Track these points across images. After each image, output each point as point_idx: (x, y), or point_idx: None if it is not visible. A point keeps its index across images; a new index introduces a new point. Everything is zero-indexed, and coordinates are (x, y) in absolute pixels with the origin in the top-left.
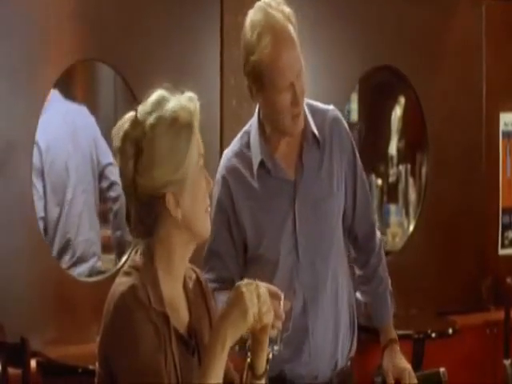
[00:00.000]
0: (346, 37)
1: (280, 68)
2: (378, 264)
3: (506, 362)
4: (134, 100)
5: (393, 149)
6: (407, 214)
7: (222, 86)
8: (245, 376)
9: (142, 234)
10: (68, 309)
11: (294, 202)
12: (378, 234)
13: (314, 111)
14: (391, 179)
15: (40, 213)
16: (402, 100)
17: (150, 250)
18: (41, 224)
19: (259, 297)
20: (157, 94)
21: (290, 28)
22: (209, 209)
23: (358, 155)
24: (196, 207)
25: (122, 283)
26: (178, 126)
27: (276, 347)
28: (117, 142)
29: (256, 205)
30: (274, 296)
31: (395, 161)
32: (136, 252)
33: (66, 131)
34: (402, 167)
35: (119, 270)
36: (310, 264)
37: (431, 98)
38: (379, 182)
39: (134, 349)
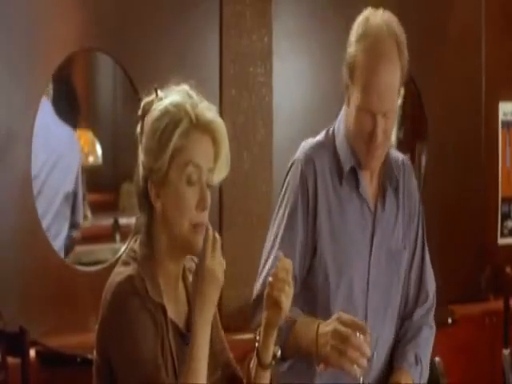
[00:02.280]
0: (344, 25)
1: (370, 79)
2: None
3: (505, 352)
4: (133, 89)
5: (392, 138)
6: None
7: (221, 75)
8: (252, 363)
9: (143, 210)
10: (67, 298)
11: (373, 236)
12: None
13: (394, 155)
14: None
15: None
16: (401, 90)
17: (149, 240)
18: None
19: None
20: (183, 86)
21: (396, 51)
22: (198, 226)
23: (422, 214)
24: (175, 212)
25: (119, 273)
26: (167, 118)
27: None
28: (140, 110)
29: (336, 215)
30: (360, 329)
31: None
32: (135, 241)
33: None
34: None
35: (118, 259)
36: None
37: (430, 87)
38: None
39: (131, 337)
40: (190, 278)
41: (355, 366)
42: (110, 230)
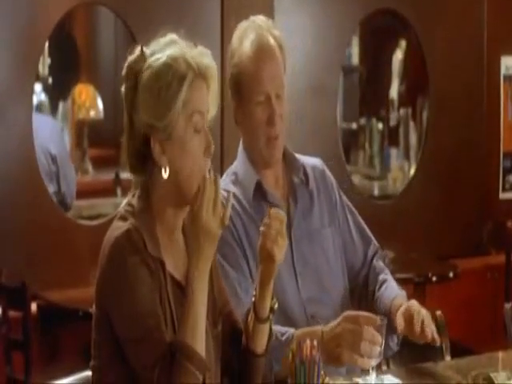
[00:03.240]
0: None
1: (259, 75)
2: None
3: (507, 306)
4: (134, 43)
5: (394, 92)
6: (408, 157)
7: (222, 29)
8: (249, 318)
9: (138, 171)
10: (68, 252)
11: (291, 235)
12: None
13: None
14: (392, 123)
15: None
16: (403, 43)
17: (146, 194)
18: None
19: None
20: (169, 37)
21: (276, 46)
22: (203, 172)
23: (343, 196)
24: (183, 162)
25: (117, 227)
26: (170, 73)
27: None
28: (124, 69)
29: (254, 231)
30: (369, 321)
31: (396, 104)
32: (133, 196)
33: None
34: (402, 111)
35: None
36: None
37: (432, 41)
38: (380, 125)
39: (130, 291)
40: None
41: (366, 359)
42: (112, 184)
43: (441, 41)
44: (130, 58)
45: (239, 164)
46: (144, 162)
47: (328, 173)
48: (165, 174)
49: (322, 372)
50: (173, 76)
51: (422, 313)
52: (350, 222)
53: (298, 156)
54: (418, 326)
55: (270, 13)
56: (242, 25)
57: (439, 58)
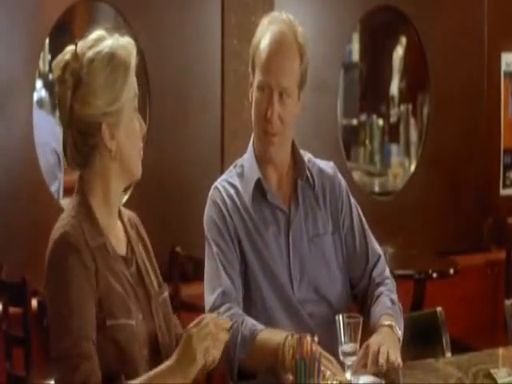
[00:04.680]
0: None
1: (268, 62)
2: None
3: (507, 302)
4: (134, 39)
5: (394, 89)
6: (408, 154)
7: (222, 24)
8: None
9: (79, 165)
10: None
11: (289, 236)
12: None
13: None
14: (392, 119)
15: None
16: (404, 40)
17: (83, 185)
18: None
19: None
20: (97, 33)
21: (295, 46)
22: (141, 152)
23: (352, 200)
24: (130, 144)
25: (55, 231)
26: (115, 61)
27: None
28: (57, 72)
29: (253, 228)
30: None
31: (396, 101)
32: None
33: None
34: (403, 107)
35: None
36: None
37: (433, 37)
38: (380, 122)
39: (64, 292)
40: (125, 218)
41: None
42: None
43: (441, 37)
44: (66, 59)
45: (247, 157)
46: (84, 156)
47: (339, 178)
48: (112, 159)
49: (323, 368)
50: (119, 63)
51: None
52: (356, 229)
53: (309, 158)
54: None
55: (270, 10)
56: (269, 16)
57: (439, 55)
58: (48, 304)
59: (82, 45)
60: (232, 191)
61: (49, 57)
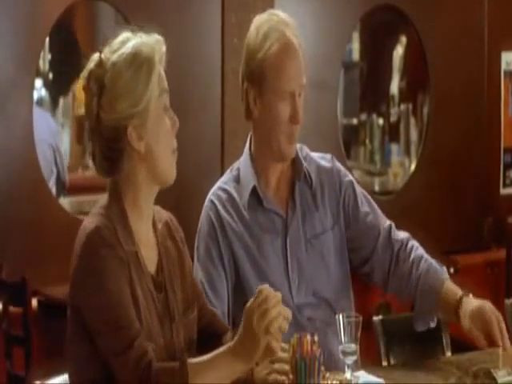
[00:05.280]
0: None
1: (286, 71)
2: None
3: (507, 302)
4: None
5: (394, 88)
6: (408, 153)
7: (223, 23)
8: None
9: (108, 172)
10: (68, 248)
11: (286, 240)
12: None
13: (307, 155)
14: (392, 119)
15: None
16: (404, 39)
17: (116, 189)
18: None
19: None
20: (122, 35)
21: (298, 45)
22: (175, 151)
23: (353, 180)
24: (160, 144)
25: (87, 225)
26: (138, 60)
27: None
28: (82, 82)
29: (248, 237)
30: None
31: (396, 100)
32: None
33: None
34: (403, 106)
35: None
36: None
37: (433, 37)
38: (380, 121)
39: (99, 284)
40: (160, 226)
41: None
42: None
43: (441, 36)
44: (90, 67)
45: (243, 162)
46: (112, 162)
47: (337, 168)
48: (141, 160)
49: (323, 368)
50: (142, 61)
51: (497, 319)
52: (360, 204)
53: (306, 154)
54: (498, 338)
55: (270, 8)
56: (261, 18)
57: (440, 54)
58: (82, 300)
59: (106, 50)
60: (227, 203)
61: (49, 56)
